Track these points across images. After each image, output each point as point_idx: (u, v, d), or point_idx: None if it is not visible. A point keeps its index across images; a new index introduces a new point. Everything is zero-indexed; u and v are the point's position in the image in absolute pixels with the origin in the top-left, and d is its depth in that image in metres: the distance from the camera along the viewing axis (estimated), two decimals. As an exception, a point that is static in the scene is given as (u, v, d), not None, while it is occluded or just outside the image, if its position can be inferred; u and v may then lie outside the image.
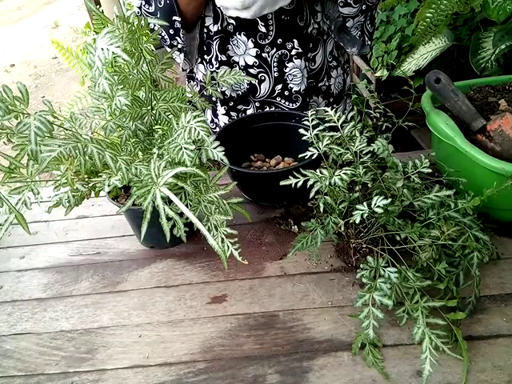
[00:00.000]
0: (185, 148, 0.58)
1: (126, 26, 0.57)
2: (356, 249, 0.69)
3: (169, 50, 0.92)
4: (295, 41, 0.91)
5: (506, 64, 1.40)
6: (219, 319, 0.67)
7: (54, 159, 0.54)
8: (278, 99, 0.99)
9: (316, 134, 0.69)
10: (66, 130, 0.59)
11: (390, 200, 0.57)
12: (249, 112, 1.02)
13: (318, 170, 0.63)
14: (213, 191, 0.62)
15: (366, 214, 0.58)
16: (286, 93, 0.98)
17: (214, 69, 0.96)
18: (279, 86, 0.97)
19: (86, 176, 0.66)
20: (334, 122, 0.70)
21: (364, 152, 0.67)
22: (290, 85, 0.97)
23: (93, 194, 0.69)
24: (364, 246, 0.68)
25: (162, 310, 0.70)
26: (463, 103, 0.72)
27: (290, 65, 0.94)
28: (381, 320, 0.59)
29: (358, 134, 0.68)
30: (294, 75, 0.95)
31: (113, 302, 0.72)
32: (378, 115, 0.79)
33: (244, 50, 0.92)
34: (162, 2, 0.84)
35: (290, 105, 1.00)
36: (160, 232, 0.55)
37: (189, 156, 0.57)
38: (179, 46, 0.91)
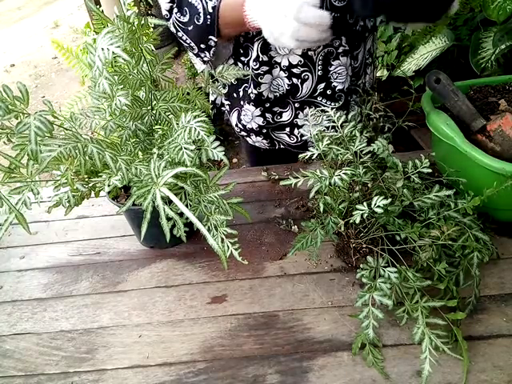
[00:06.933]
0: (185, 148, 0.58)
1: (127, 25, 0.57)
2: (356, 249, 0.69)
3: (192, 55, 0.88)
4: (343, 38, 0.88)
5: (506, 64, 1.40)
6: (219, 319, 0.67)
7: (54, 159, 0.54)
8: (319, 99, 0.96)
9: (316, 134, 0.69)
10: (66, 129, 0.59)
11: (389, 200, 0.57)
12: (285, 114, 0.98)
13: (317, 170, 0.63)
14: (213, 191, 0.62)
15: (366, 214, 0.58)
16: (329, 92, 0.94)
17: (250, 71, 0.92)
18: (322, 85, 0.93)
19: (86, 176, 0.66)
20: (334, 122, 0.70)
21: (364, 152, 0.67)
22: (334, 83, 0.93)
23: (93, 194, 0.69)
24: (364, 246, 0.68)
25: (162, 310, 0.70)
26: (463, 103, 0.72)
27: (335, 63, 0.90)
28: (381, 320, 0.59)
29: (357, 134, 0.68)
30: (338, 73, 0.92)
31: (113, 302, 0.72)
32: (378, 115, 0.79)
33: (289, 50, 0.88)
34: (201, 21, 0.78)
35: (332, 104, 0.96)
36: (160, 232, 0.55)
37: (189, 156, 0.57)
38: (205, 59, 0.87)
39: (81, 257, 0.82)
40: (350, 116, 0.76)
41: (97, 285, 0.76)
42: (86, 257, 0.82)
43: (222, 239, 0.59)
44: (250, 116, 0.99)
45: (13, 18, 6.17)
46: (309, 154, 0.69)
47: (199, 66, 0.91)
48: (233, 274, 0.74)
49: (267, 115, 0.98)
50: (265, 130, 1.01)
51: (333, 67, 0.91)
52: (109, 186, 0.59)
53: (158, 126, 0.71)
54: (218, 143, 0.61)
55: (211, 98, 1.10)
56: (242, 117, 1.01)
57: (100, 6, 2.27)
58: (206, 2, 0.77)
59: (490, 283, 0.68)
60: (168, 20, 0.83)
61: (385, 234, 0.65)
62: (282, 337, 0.64)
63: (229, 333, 0.65)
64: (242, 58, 0.92)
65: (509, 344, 0.59)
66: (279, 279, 0.73)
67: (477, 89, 0.82)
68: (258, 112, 0.97)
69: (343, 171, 0.61)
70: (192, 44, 0.83)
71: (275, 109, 0.97)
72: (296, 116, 0.97)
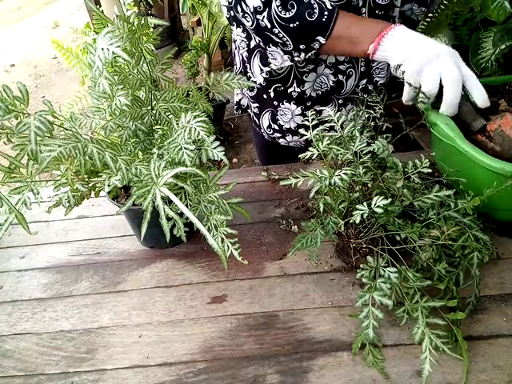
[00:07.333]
0: (185, 148, 0.58)
1: (126, 25, 0.57)
2: (356, 249, 0.69)
3: (277, 50, 0.81)
4: None
5: (506, 64, 1.40)
6: (219, 319, 0.67)
7: (54, 159, 0.54)
8: (361, 94, 0.95)
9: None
10: (66, 129, 0.59)
11: (389, 200, 0.57)
12: (327, 110, 0.98)
13: (317, 170, 0.63)
14: (213, 191, 0.62)
15: (365, 214, 0.58)
16: (371, 87, 0.95)
17: (283, 70, 0.89)
18: (364, 81, 0.94)
19: (85, 176, 0.66)
20: (334, 122, 0.70)
21: (364, 152, 0.67)
22: (376, 78, 0.94)
23: (93, 194, 0.69)
24: (364, 246, 0.68)
25: (162, 310, 0.70)
26: (463, 103, 0.72)
27: None
28: (381, 320, 0.59)
29: (357, 134, 0.68)
30: (381, 68, 0.93)
31: (113, 302, 0.72)
32: (378, 115, 0.79)
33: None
34: (315, 17, 0.72)
35: (373, 98, 0.97)
36: (160, 232, 0.55)
37: (189, 156, 0.57)
38: (295, 59, 0.81)
39: (81, 257, 0.82)
40: (349, 116, 0.76)
41: (97, 285, 0.76)
42: (85, 257, 0.82)
43: (222, 239, 0.59)
44: (290, 115, 0.97)
45: (13, 18, 6.17)
46: (309, 154, 0.69)
47: (280, 61, 0.84)
48: (233, 274, 0.74)
49: (307, 113, 0.97)
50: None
51: (375, 63, 0.91)
52: (109, 185, 0.59)
53: (158, 126, 0.71)
54: (217, 143, 0.61)
55: (236, 98, 1.09)
56: (278, 117, 1.00)
57: (100, 6, 2.28)
58: (323, 2, 0.72)
59: (490, 283, 0.68)
60: (260, 13, 0.74)
61: (385, 234, 0.65)
62: (282, 337, 0.64)
63: (229, 333, 0.65)
64: None
65: (509, 344, 0.59)
66: (279, 279, 0.73)
67: (477, 89, 0.82)
68: (298, 111, 0.96)
69: (343, 171, 0.61)
70: (288, 42, 0.76)
71: (316, 106, 0.96)
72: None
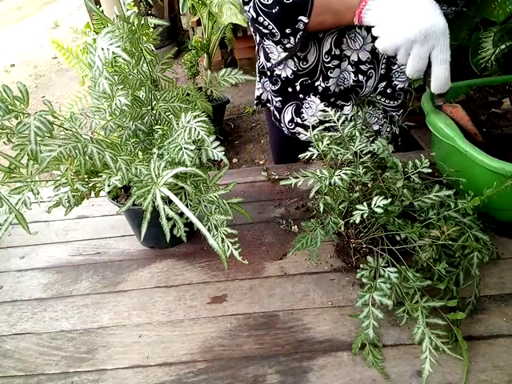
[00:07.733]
0: (185, 148, 0.58)
1: (126, 25, 0.57)
2: (356, 249, 0.69)
3: (270, 44, 0.84)
4: None
5: (505, 64, 1.40)
6: (219, 319, 0.67)
7: (54, 159, 0.54)
8: (379, 97, 0.97)
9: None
10: (66, 129, 0.59)
11: (389, 200, 0.57)
12: (347, 108, 0.97)
13: (317, 170, 0.63)
14: (213, 191, 0.62)
15: (365, 214, 0.58)
16: (389, 90, 0.95)
17: (308, 65, 0.89)
18: (383, 84, 0.94)
19: (85, 176, 0.66)
20: (334, 122, 0.70)
21: (364, 152, 0.67)
22: (395, 82, 0.94)
23: (93, 194, 0.69)
24: (364, 246, 0.68)
25: (162, 310, 0.70)
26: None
27: (399, 62, 0.92)
28: (381, 320, 0.59)
29: (358, 134, 0.68)
30: (401, 72, 0.92)
31: (113, 302, 0.72)
32: (380, 116, 0.79)
33: (360, 45, 0.87)
34: None
35: (391, 102, 0.97)
36: (160, 232, 0.55)
37: (189, 156, 0.57)
38: (287, 46, 0.83)
39: (81, 257, 0.82)
40: (349, 116, 0.76)
41: (97, 285, 0.76)
42: (85, 257, 0.82)
43: (222, 239, 0.59)
44: (314, 109, 0.97)
45: (13, 18, 6.17)
46: (309, 154, 0.69)
47: (277, 54, 0.85)
48: (233, 274, 0.74)
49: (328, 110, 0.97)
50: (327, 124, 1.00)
51: (395, 66, 0.91)
52: (109, 185, 0.59)
53: (158, 126, 0.71)
54: (217, 143, 0.61)
55: (256, 93, 1.08)
56: (303, 109, 1.00)
57: (100, 6, 2.27)
58: None
59: (490, 283, 0.68)
60: (247, 4, 0.77)
61: (385, 234, 0.65)
62: (282, 337, 0.64)
63: (229, 333, 0.65)
64: (299, 54, 0.89)
65: (509, 344, 0.59)
66: (279, 279, 0.73)
67: (477, 89, 0.82)
68: (322, 106, 0.96)
69: (343, 171, 0.61)
70: (274, 30, 0.77)
71: (338, 102, 0.97)
72: (356, 112, 0.97)
